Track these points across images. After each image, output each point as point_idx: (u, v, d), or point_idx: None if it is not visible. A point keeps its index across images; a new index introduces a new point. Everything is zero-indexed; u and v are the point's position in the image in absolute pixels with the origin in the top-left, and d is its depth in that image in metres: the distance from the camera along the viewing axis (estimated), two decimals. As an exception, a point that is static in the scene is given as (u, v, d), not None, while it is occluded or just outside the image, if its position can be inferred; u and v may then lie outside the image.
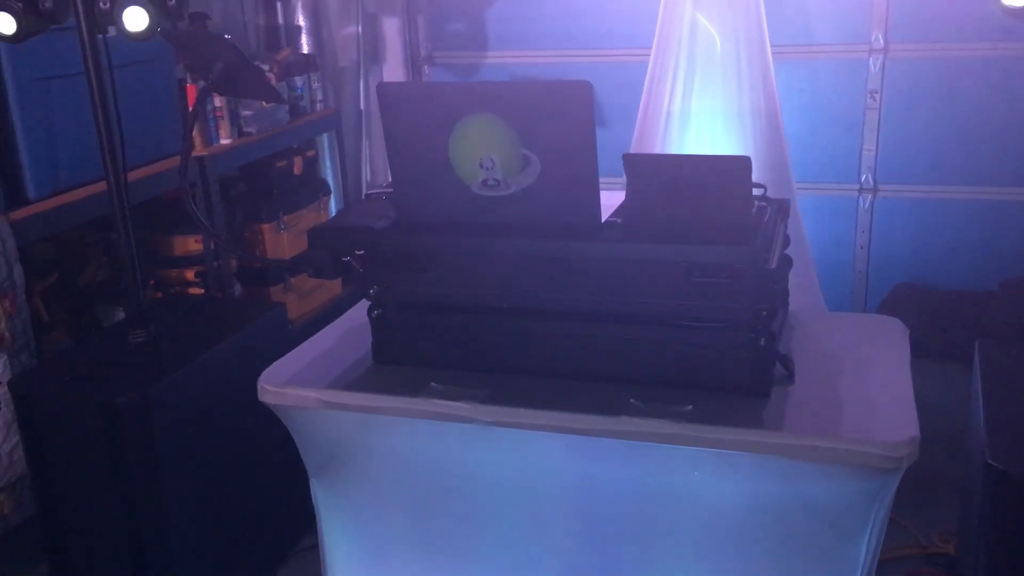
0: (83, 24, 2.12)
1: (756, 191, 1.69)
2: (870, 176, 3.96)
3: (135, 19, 2.01)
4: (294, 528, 2.79)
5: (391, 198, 1.83)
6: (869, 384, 1.79)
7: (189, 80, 3.34)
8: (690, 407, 1.68)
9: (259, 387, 1.91)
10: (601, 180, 1.68)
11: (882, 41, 3.80)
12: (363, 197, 1.90)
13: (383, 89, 1.60)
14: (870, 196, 3.99)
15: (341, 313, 2.22)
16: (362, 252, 1.75)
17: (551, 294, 1.72)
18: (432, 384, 1.81)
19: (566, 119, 1.53)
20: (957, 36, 3.71)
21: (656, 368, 1.75)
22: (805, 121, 3.91)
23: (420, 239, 1.70)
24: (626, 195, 1.67)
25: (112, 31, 2.17)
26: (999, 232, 3.84)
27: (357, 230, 1.71)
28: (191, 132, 1.79)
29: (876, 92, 3.87)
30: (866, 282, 4.11)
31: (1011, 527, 1.63)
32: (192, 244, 3.46)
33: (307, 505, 2.84)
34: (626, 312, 1.72)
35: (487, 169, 1.61)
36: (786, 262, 1.95)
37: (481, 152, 1.59)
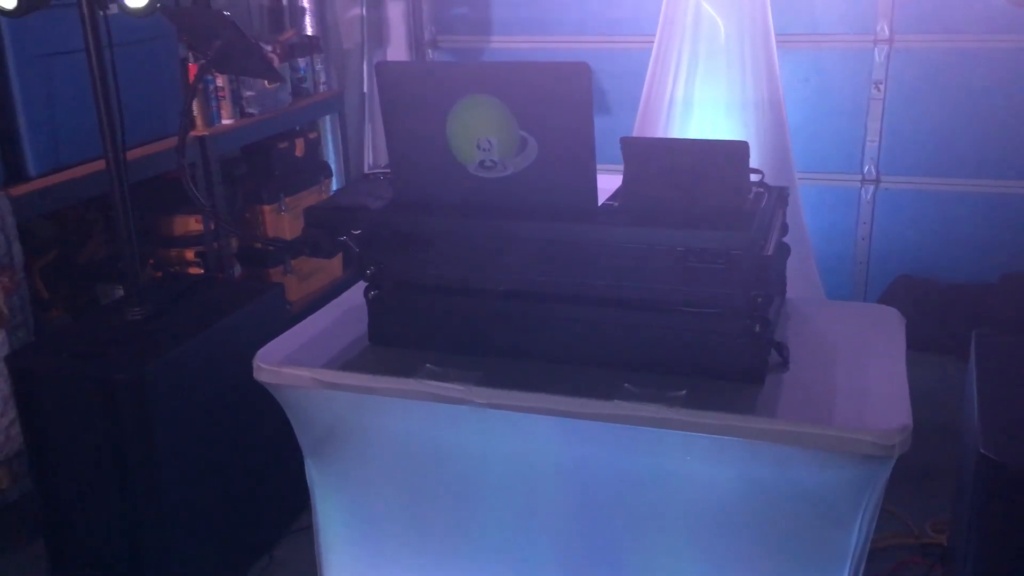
0: (84, 1, 2.11)
1: (754, 177, 1.68)
2: (873, 167, 3.95)
3: (135, -5, 2.01)
4: (290, 508, 2.80)
5: (388, 178, 1.83)
6: (864, 372, 1.78)
7: (191, 59, 3.34)
8: (684, 392, 1.68)
9: (255, 365, 1.91)
10: (603, 166, 1.67)
11: (887, 31, 3.79)
12: (361, 176, 1.89)
13: (381, 68, 1.60)
14: (872, 187, 3.98)
15: (340, 294, 2.22)
16: (358, 232, 1.75)
17: (546, 277, 1.71)
18: (427, 365, 1.81)
19: (564, 101, 1.53)
20: (962, 28, 3.69)
21: (650, 353, 1.74)
22: (809, 111, 3.90)
23: (416, 220, 1.70)
24: (623, 179, 1.66)
25: (114, 8, 2.17)
26: (1000, 225, 3.83)
27: (354, 209, 1.71)
28: (189, 110, 1.79)
29: (880, 83, 3.85)
30: (866, 273, 4.10)
31: (1003, 517, 1.63)
32: (193, 224, 3.47)
33: (303, 485, 2.85)
34: (621, 296, 1.71)
35: (484, 151, 1.60)
36: (783, 249, 1.95)
37: (479, 133, 1.59)
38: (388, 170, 1.89)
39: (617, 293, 1.71)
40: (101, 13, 2.17)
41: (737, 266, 1.63)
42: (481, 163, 1.62)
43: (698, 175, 1.59)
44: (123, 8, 2.03)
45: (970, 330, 3.61)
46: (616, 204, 1.66)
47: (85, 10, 2.11)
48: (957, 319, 3.71)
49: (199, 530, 2.39)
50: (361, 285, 2.17)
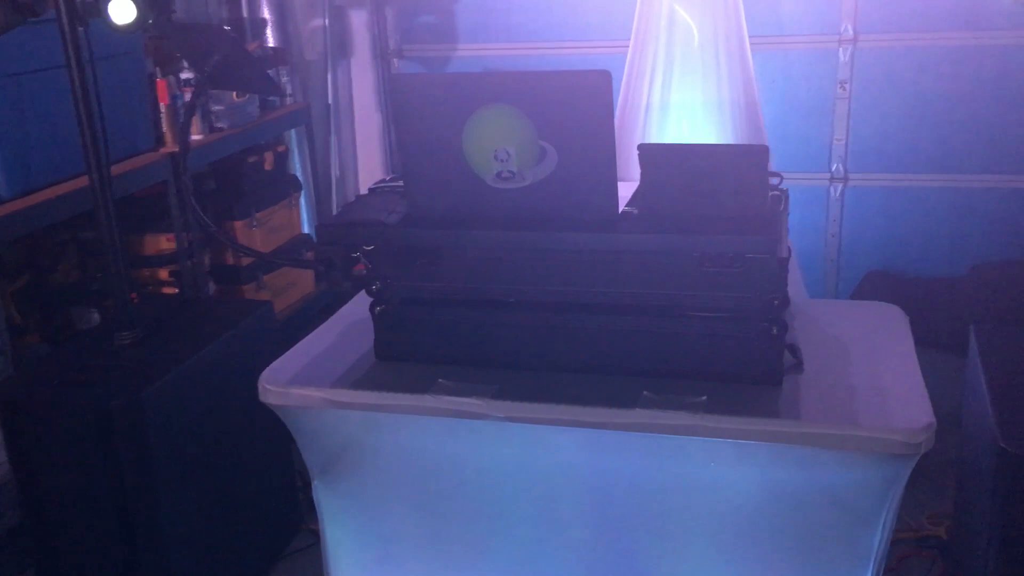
0: (64, 17, 2.04)
1: (773, 180, 1.68)
2: (840, 165, 4.01)
3: (122, 11, 1.94)
4: (283, 531, 2.75)
5: (397, 191, 1.80)
6: (878, 371, 1.80)
7: (159, 75, 3.26)
8: (704, 398, 1.67)
9: (260, 387, 1.86)
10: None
11: (851, 31, 3.85)
12: (367, 190, 1.86)
13: (396, 81, 1.58)
14: (841, 185, 4.03)
15: (316, 310, 2.19)
16: (372, 248, 1.72)
17: (566, 287, 1.70)
18: (440, 380, 1.78)
19: (585, 109, 1.52)
20: (924, 26, 3.77)
21: (668, 359, 1.74)
22: (777, 111, 3.94)
23: (433, 234, 1.67)
24: (640, 185, 1.66)
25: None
26: (967, 218, 3.90)
27: (368, 225, 1.67)
28: (187, 127, 1.74)
29: (846, 82, 3.91)
30: (837, 270, 4.16)
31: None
32: (164, 243, 3.38)
33: (295, 508, 2.81)
34: (640, 304, 1.71)
35: (502, 161, 1.58)
36: (789, 251, 1.96)
37: (496, 144, 1.57)
38: (394, 183, 1.87)
39: (637, 300, 1.70)
40: (80, 29, 2.10)
41: (756, 270, 1.64)
42: (499, 174, 1.59)
43: (718, 180, 1.59)
44: (110, 25, 1.97)
45: (942, 323, 3.70)
46: (635, 211, 1.65)
47: (65, 26, 2.04)
48: (929, 312, 3.76)
49: (197, 558, 2.33)
50: (359, 299, 2.14)
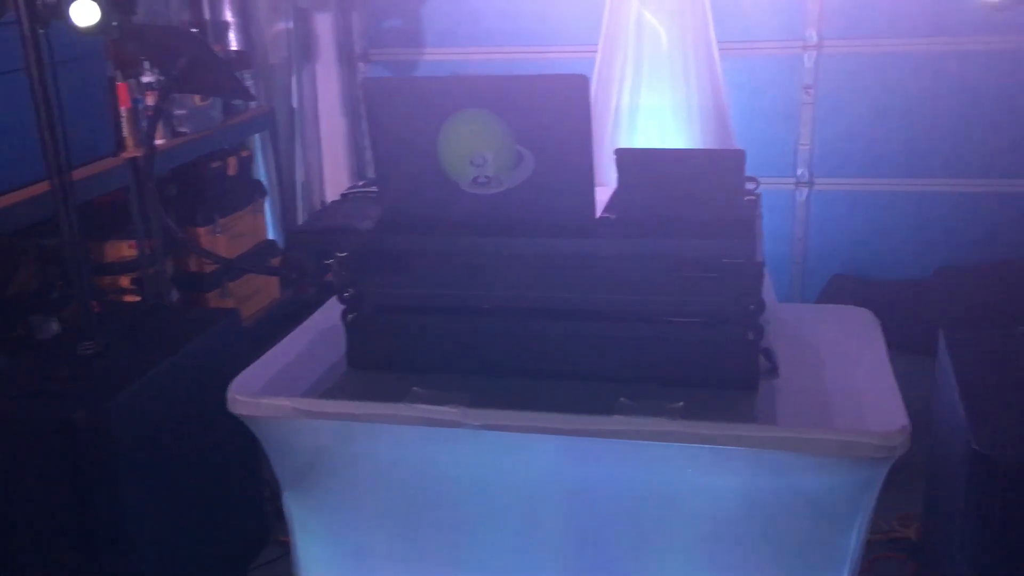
0: (24, 19, 1.98)
1: (749, 184, 1.68)
2: (806, 170, 4.04)
3: (85, 13, 1.89)
4: (253, 543, 2.70)
5: (370, 197, 1.78)
6: (852, 375, 1.81)
7: (120, 78, 3.20)
8: (681, 404, 1.67)
9: (229, 397, 1.82)
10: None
11: (815, 37, 3.88)
12: (340, 196, 1.83)
13: (369, 85, 1.55)
14: (806, 189, 4.07)
15: (280, 317, 2.16)
16: (344, 254, 1.69)
17: (543, 293, 1.69)
18: (414, 389, 1.76)
19: (562, 113, 1.50)
20: (888, 32, 3.81)
21: (645, 365, 1.73)
22: (742, 116, 3.95)
23: (408, 239, 1.65)
24: (617, 190, 1.65)
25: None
26: (931, 221, 3.96)
27: (341, 231, 1.64)
28: (155, 130, 1.70)
29: (810, 87, 3.94)
30: (803, 274, 4.19)
31: (998, 512, 1.66)
32: (125, 249, 3.32)
33: (264, 521, 2.76)
34: (617, 309, 1.70)
35: (478, 166, 1.56)
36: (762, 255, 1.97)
37: (472, 149, 1.55)
38: (367, 188, 1.84)
39: (614, 306, 1.69)
40: (40, 31, 2.05)
41: (732, 275, 1.64)
42: (475, 179, 1.58)
43: (695, 184, 1.59)
44: (72, 28, 1.91)
45: (907, 325, 3.73)
46: (613, 217, 1.64)
47: (26, 28, 1.98)
48: (894, 315, 3.79)
49: (163, 571, 2.27)
50: (328, 307, 2.10)
